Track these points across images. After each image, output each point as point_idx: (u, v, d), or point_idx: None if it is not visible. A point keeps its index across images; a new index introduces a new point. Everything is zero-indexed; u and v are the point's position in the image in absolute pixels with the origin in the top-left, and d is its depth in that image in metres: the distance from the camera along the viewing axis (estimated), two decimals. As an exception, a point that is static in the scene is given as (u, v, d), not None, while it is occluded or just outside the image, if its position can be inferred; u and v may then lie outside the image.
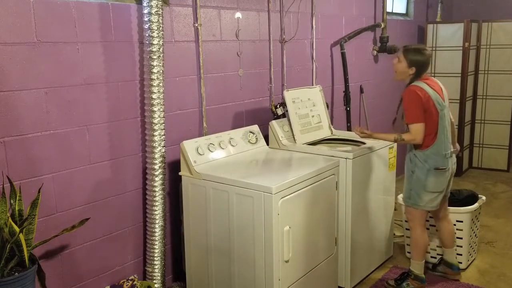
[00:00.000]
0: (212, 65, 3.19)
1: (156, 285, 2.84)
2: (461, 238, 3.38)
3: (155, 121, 2.70)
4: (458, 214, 3.36)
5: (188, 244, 2.91)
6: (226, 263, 2.71)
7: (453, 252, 3.30)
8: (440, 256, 3.40)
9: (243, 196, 2.55)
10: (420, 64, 2.92)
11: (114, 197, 2.73)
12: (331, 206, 2.94)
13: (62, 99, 2.42)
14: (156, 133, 2.71)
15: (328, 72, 4.33)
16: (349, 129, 4.38)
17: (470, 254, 3.51)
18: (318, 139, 3.54)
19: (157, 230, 2.80)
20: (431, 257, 3.48)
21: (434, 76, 5.52)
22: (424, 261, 3.17)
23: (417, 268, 3.14)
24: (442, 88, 3.01)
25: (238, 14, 3.33)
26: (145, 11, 2.60)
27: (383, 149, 3.37)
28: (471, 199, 3.51)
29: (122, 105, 2.71)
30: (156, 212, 2.78)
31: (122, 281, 2.72)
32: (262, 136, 3.27)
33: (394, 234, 3.72)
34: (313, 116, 3.58)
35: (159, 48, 2.65)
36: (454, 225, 3.37)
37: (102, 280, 2.72)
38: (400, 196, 3.45)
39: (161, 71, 2.68)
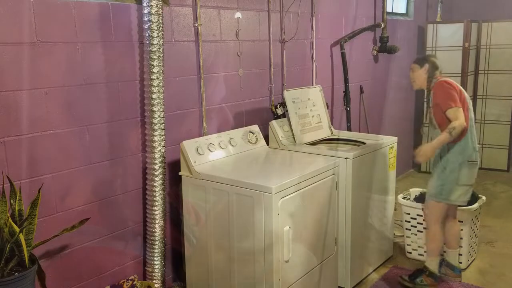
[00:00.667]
0: (212, 65, 3.19)
1: (156, 285, 2.84)
2: (461, 238, 3.38)
3: (155, 121, 2.70)
4: (458, 214, 3.36)
5: (188, 244, 2.91)
6: (226, 263, 2.71)
7: (456, 254, 3.31)
8: (442, 257, 3.40)
9: (243, 196, 2.55)
10: (430, 62, 3.09)
11: (114, 197, 2.73)
12: (331, 206, 2.94)
13: (62, 99, 2.42)
14: (156, 133, 2.71)
15: (328, 72, 4.33)
16: (349, 129, 4.38)
17: (470, 254, 3.51)
18: (318, 139, 3.54)
19: (157, 230, 2.80)
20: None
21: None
22: (439, 258, 3.21)
23: (432, 265, 3.18)
24: None
25: (238, 14, 3.33)
26: (145, 11, 2.60)
27: (383, 149, 3.37)
28: (471, 199, 3.51)
29: (122, 105, 2.71)
30: (156, 212, 2.78)
31: (122, 281, 2.72)
32: (262, 136, 3.27)
33: (394, 234, 3.72)
34: (313, 116, 3.58)
35: (159, 48, 2.65)
36: (454, 225, 3.38)
37: (102, 280, 2.72)
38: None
39: (161, 71, 2.68)
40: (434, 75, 3.09)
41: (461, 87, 3.06)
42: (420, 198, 3.66)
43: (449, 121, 2.90)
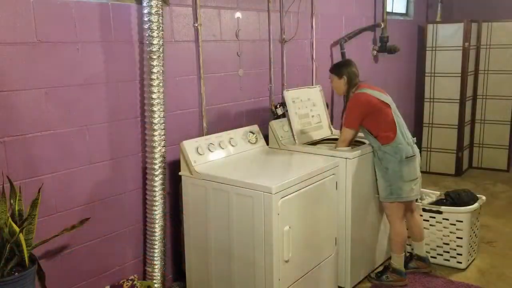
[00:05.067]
0: (212, 65, 3.19)
1: (156, 285, 2.84)
2: (461, 238, 3.38)
3: (155, 121, 2.70)
4: (458, 214, 3.37)
5: (188, 244, 2.91)
6: (226, 263, 2.71)
7: (422, 245, 3.39)
8: (409, 253, 3.46)
9: (243, 196, 2.55)
10: (348, 72, 3.18)
11: (114, 197, 2.73)
12: (331, 206, 2.94)
13: (62, 99, 2.42)
14: (156, 133, 2.71)
15: (328, 72, 4.32)
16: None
17: (470, 254, 3.51)
18: (318, 139, 3.54)
19: (157, 230, 2.80)
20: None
21: (434, 76, 5.54)
22: (404, 254, 3.26)
23: (396, 261, 3.23)
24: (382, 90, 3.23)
25: (238, 14, 3.33)
26: (145, 11, 2.61)
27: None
28: (471, 199, 3.51)
29: (122, 105, 2.71)
30: (156, 212, 2.78)
31: (122, 281, 2.72)
32: (262, 136, 3.27)
33: (394, 234, 3.72)
34: (313, 116, 3.58)
35: (159, 48, 2.65)
36: (454, 225, 3.37)
37: (102, 280, 2.72)
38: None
39: (161, 71, 2.68)
40: (354, 83, 3.18)
41: (377, 93, 3.13)
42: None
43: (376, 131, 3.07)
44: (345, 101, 3.30)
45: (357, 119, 3.08)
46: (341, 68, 3.22)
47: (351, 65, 3.24)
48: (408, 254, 3.46)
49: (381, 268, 3.40)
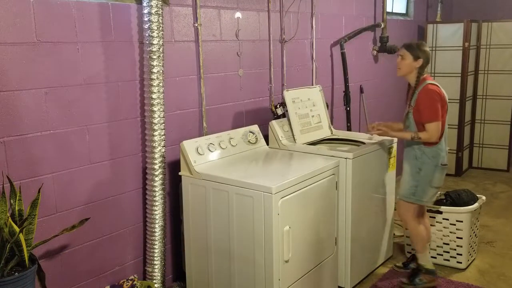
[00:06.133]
0: (212, 65, 3.19)
1: (156, 285, 2.84)
2: (461, 238, 3.38)
3: (155, 121, 2.70)
4: (458, 214, 3.37)
5: (188, 244, 2.91)
6: (226, 263, 2.71)
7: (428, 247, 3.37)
8: (411, 254, 3.45)
9: (243, 196, 2.55)
10: (425, 57, 3.00)
11: (114, 197, 2.73)
12: (331, 206, 2.94)
13: (62, 99, 2.42)
14: (156, 133, 2.71)
15: (328, 72, 4.33)
16: (349, 129, 4.38)
17: (470, 254, 3.51)
18: (318, 139, 3.54)
19: (157, 230, 2.80)
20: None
21: (434, 76, 5.54)
22: (428, 251, 3.22)
23: (424, 260, 3.18)
24: None
25: (238, 14, 3.33)
26: (145, 11, 2.61)
27: (383, 149, 3.37)
28: (471, 199, 3.51)
29: (122, 105, 2.71)
30: (156, 212, 2.78)
31: (122, 281, 2.72)
32: (262, 136, 3.26)
33: (394, 234, 3.72)
34: (313, 116, 3.58)
35: (159, 48, 2.65)
36: (454, 225, 3.38)
37: (102, 280, 2.72)
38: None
39: (161, 71, 2.68)
40: (423, 72, 3.03)
41: (442, 90, 3.03)
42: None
43: (423, 126, 2.97)
44: (408, 90, 3.14)
45: (439, 110, 2.94)
46: (420, 49, 3.01)
47: (428, 52, 3.05)
48: (410, 256, 3.46)
49: (381, 268, 3.40)
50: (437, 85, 3.02)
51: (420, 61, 3.01)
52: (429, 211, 3.45)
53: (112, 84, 2.64)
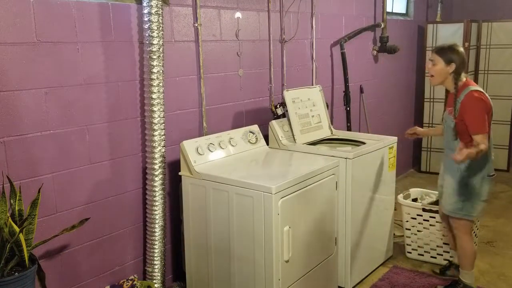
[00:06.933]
0: (212, 65, 3.19)
1: (156, 285, 2.84)
2: (461, 238, 3.38)
3: (155, 121, 2.70)
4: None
5: (188, 244, 2.91)
6: (226, 263, 2.71)
7: None
8: (448, 261, 3.39)
9: (243, 196, 2.55)
10: (459, 60, 2.74)
11: (114, 197, 2.73)
12: (331, 206, 2.94)
13: (62, 99, 2.42)
14: (156, 133, 2.71)
15: (328, 72, 4.33)
16: (349, 129, 4.38)
17: (470, 254, 3.50)
18: (318, 139, 3.54)
19: (157, 230, 2.80)
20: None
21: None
22: (473, 270, 3.01)
23: (467, 278, 3.00)
24: None
25: (238, 14, 3.33)
26: (145, 11, 2.61)
27: (383, 149, 3.37)
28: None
29: (122, 105, 2.71)
30: (156, 212, 2.78)
31: (122, 281, 2.72)
32: (262, 136, 3.26)
33: (394, 234, 3.72)
34: (313, 116, 3.58)
35: (159, 48, 2.65)
36: (454, 225, 3.36)
37: (102, 280, 2.72)
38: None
39: (161, 71, 2.68)
40: (461, 78, 2.76)
41: (487, 96, 2.78)
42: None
43: (470, 136, 2.73)
44: (446, 95, 2.92)
45: (486, 121, 2.69)
46: (452, 52, 2.74)
47: (463, 53, 2.77)
48: (447, 263, 3.38)
49: (381, 268, 3.40)
50: (482, 92, 2.75)
51: (453, 65, 2.74)
52: (429, 211, 3.45)
53: (112, 84, 2.64)
